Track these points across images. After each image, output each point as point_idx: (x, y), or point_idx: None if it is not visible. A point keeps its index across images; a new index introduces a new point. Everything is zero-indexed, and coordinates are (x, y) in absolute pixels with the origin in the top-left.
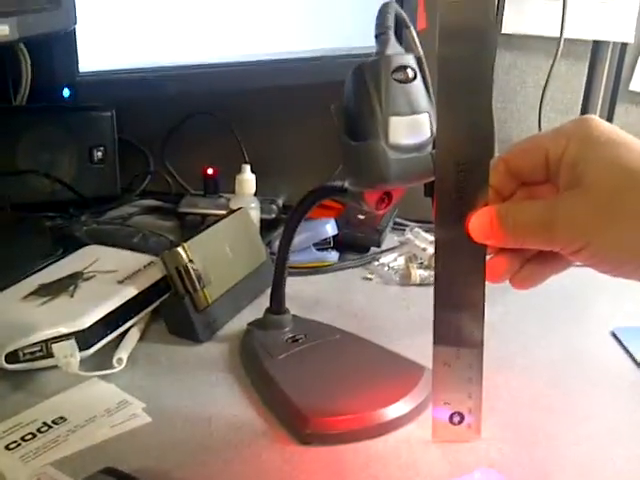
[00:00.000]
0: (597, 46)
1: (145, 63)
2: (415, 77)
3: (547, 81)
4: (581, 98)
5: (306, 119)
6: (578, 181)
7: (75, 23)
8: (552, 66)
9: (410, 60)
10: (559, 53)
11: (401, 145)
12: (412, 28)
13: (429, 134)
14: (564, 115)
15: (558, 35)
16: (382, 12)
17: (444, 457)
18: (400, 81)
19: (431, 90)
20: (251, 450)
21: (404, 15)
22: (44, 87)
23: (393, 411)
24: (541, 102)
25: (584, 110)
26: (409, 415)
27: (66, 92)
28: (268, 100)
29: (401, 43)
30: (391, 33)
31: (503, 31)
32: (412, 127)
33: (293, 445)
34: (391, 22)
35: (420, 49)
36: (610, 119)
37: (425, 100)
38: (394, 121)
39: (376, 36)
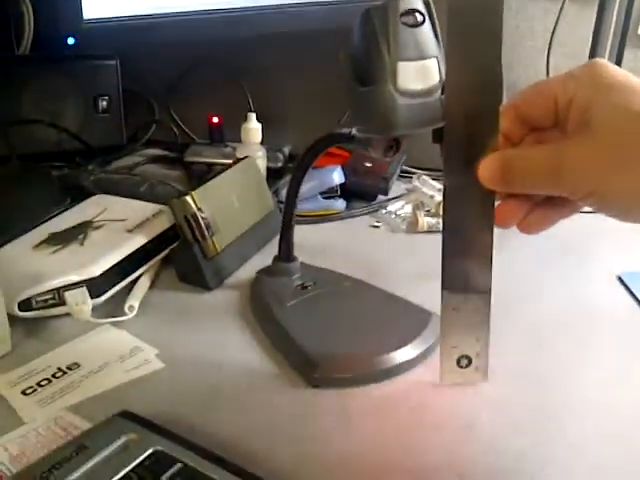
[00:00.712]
0: None
1: (149, 9)
2: (424, 21)
3: (555, 26)
4: (589, 42)
5: (312, 66)
6: (587, 126)
7: None
8: (560, 10)
9: (419, 4)
10: None
11: (409, 90)
12: None
13: (438, 79)
14: (572, 60)
15: None
16: None
17: (451, 399)
18: (408, 25)
19: (440, 34)
20: (262, 394)
21: None
22: (48, 36)
23: (400, 355)
24: (549, 47)
25: (592, 55)
26: (416, 359)
27: (70, 40)
28: (274, 47)
29: None
30: None
31: None
32: (420, 72)
33: (303, 389)
34: None
35: None
36: (619, 63)
37: (434, 44)
38: (402, 66)
39: None
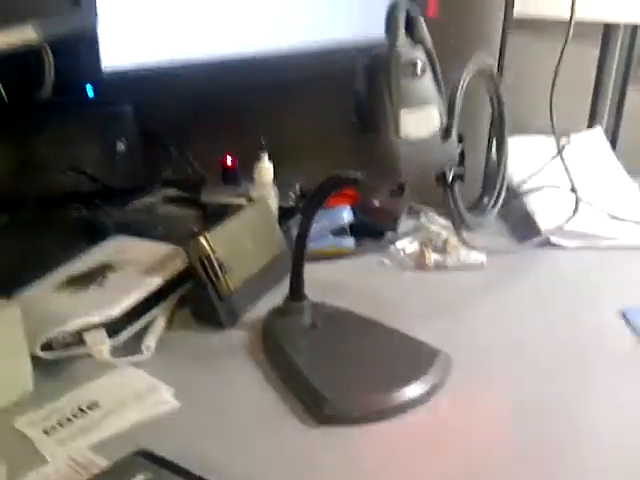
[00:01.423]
0: (608, 28)
1: (164, 59)
2: (424, 70)
3: (558, 63)
4: (593, 80)
5: (321, 107)
6: None
7: (96, 23)
8: (563, 49)
9: (419, 54)
10: (570, 33)
11: (411, 137)
12: (422, 20)
13: (438, 125)
14: (576, 96)
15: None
16: (392, 6)
17: (457, 437)
18: (410, 75)
19: (441, 81)
20: (273, 431)
21: (414, 8)
22: (67, 84)
23: (408, 392)
24: (552, 87)
25: (596, 92)
26: (424, 396)
27: (90, 91)
28: (284, 89)
29: (412, 35)
30: (401, 28)
31: (516, 16)
32: (421, 120)
33: (313, 426)
34: (401, 16)
35: (430, 41)
36: (621, 101)
37: (434, 93)
38: (404, 114)
39: (387, 31)
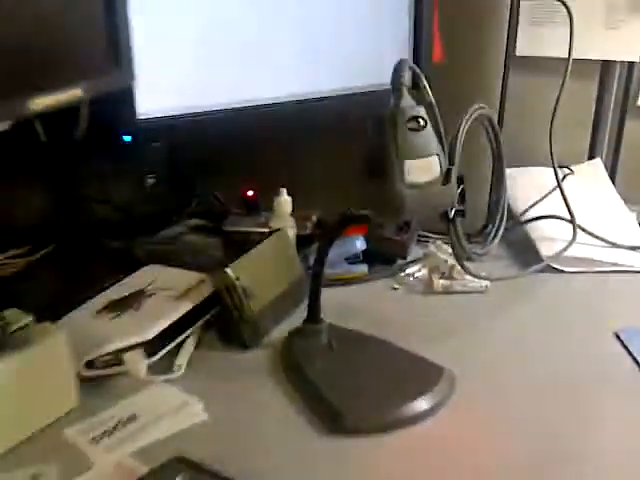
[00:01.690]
0: (606, 65)
1: (192, 106)
2: (425, 125)
3: (558, 97)
4: (592, 115)
5: (336, 145)
6: None
7: (133, 79)
8: (562, 85)
9: (421, 111)
10: (568, 71)
11: (415, 183)
12: (424, 79)
13: (439, 172)
14: (577, 129)
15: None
16: (397, 69)
17: (461, 447)
18: (413, 129)
19: (442, 132)
20: (292, 441)
21: (416, 69)
22: (103, 126)
23: (416, 407)
24: (552, 118)
25: (596, 125)
26: (432, 409)
27: (127, 138)
28: (302, 131)
29: (416, 88)
30: (404, 88)
31: (517, 53)
32: (424, 168)
33: (329, 437)
34: (405, 77)
35: (431, 97)
36: (620, 133)
37: (435, 143)
38: (408, 163)
39: (392, 90)
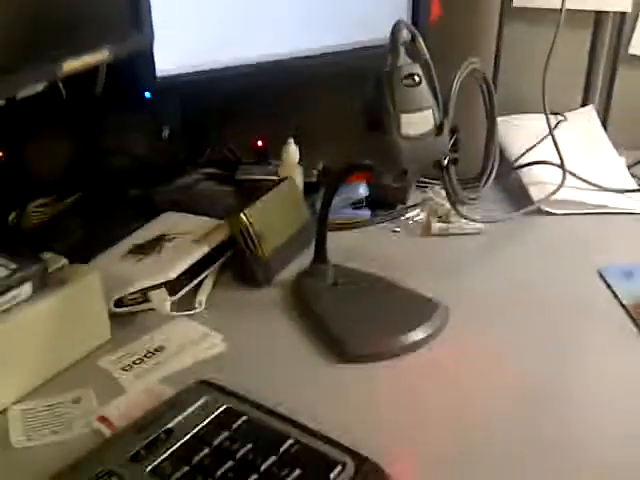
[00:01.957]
0: (599, 15)
1: (206, 63)
2: (420, 82)
3: (552, 47)
4: (586, 62)
5: (340, 97)
6: None
7: (153, 41)
8: (556, 33)
9: (416, 69)
10: (562, 21)
11: (410, 135)
12: (420, 39)
13: (433, 125)
14: (571, 77)
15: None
16: (395, 29)
17: (452, 371)
18: (409, 85)
19: (437, 86)
20: (302, 367)
21: (413, 29)
22: (122, 82)
23: (415, 335)
24: (546, 66)
25: (589, 72)
26: (428, 338)
27: (147, 94)
28: (309, 84)
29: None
30: (401, 47)
31: (514, 5)
32: (419, 121)
33: (335, 363)
34: (402, 37)
35: (427, 54)
36: (612, 79)
37: (429, 98)
38: (404, 117)
39: (390, 49)
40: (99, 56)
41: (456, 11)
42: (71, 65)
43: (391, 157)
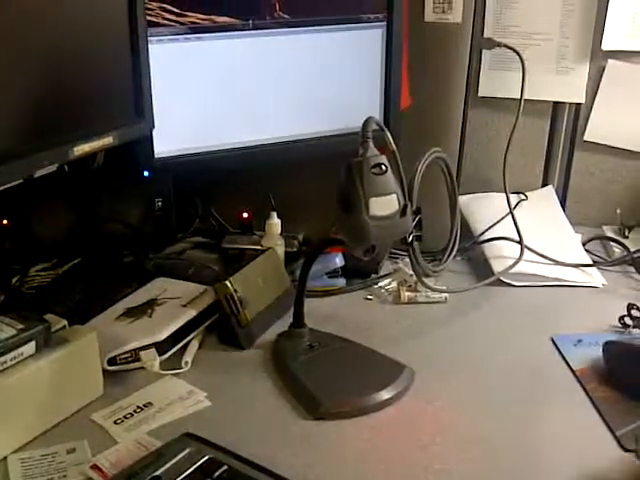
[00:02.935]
0: (556, 105)
1: (202, 146)
2: (387, 170)
3: (512, 132)
4: (545, 146)
5: (318, 175)
6: None
7: (153, 127)
8: (516, 120)
9: (383, 159)
10: (521, 110)
11: (377, 216)
12: (388, 133)
13: (397, 207)
14: (532, 159)
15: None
16: (365, 124)
17: (417, 428)
18: (376, 174)
19: (402, 173)
20: (280, 423)
21: (382, 124)
22: (122, 165)
23: (382, 395)
24: (507, 150)
25: (548, 157)
26: (394, 398)
27: (146, 173)
28: (289, 165)
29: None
30: (370, 141)
31: (479, 94)
32: (385, 204)
33: (310, 420)
34: (371, 131)
35: (394, 145)
36: (570, 162)
37: (394, 184)
38: (372, 200)
39: (361, 143)
40: (106, 141)
41: (425, 99)
42: (81, 149)
43: (360, 235)
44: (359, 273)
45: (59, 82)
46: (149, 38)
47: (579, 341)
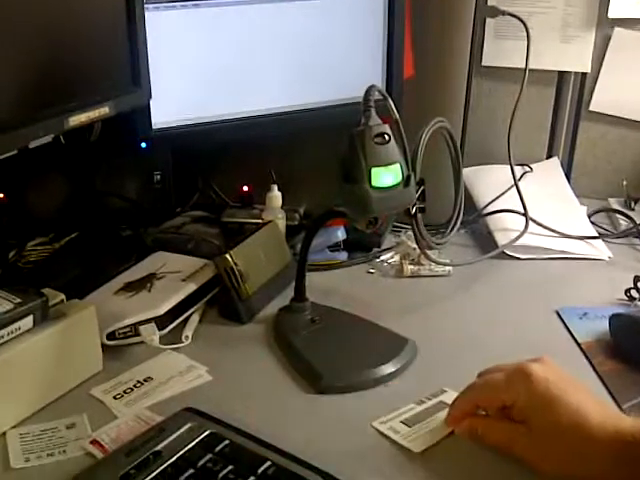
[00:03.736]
0: (562, 75)
1: (196, 117)
2: (389, 140)
3: (516, 103)
4: (550, 117)
5: (319, 146)
6: (529, 424)
7: (150, 97)
8: (520, 90)
9: (386, 128)
10: (525, 80)
11: (380, 187)
12: (390, 101)
13: (400, 178)
14: (536, 131)
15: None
16: (367, 92)
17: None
18: (379, 143)
19: (405, 143)
20: (281, 397)
21: (384, 92)
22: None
23: (384, 369)
24: (511, 121)
25: (553, 128)
26: (396, 372)
27: (144, 145)
28: (290, 136)
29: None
30: (372, 109)
31: (483, 64)
32: (387, 174)
33: (311, 394)
34: (373, 100)
35: (397, 114)
36: (575, 133)
37: (398, 154)
38: (374, 170)
39: (363, 111)
40: (102, 111)
41: (428, 69)
42: (77, 119)
43: (363, 206)
44: (361, 246)
45: (53, 51)
46: (145, 5)
47: (585, 314)
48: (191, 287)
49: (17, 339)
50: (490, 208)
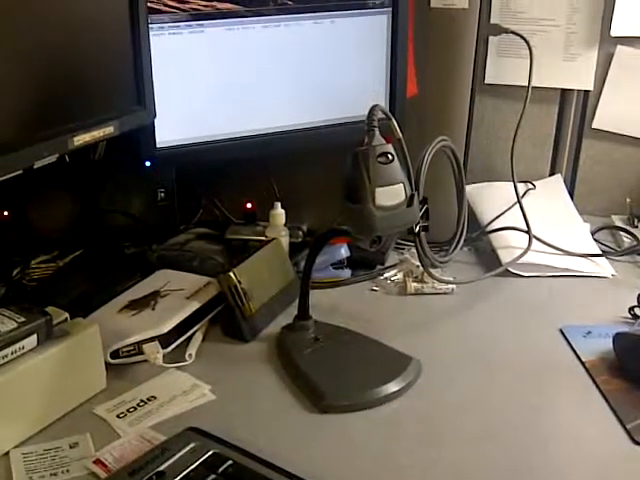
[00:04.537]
0: (564, 92)
1: (205, 135)
2: (393, 159)
3: (519, 121)
4: (554, 134)
5: (323, 164)
6: None
7: (155, 117)
8: (523, 108)
9: (389, 148)
10: (528, 98)
11: (383, 207)
12: (394, 121)
13: (403, 197)
14: (539, 148)
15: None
16: (370, 112)
17: (424, 422)
18: (382, 163)
19: (408, 162)
20: (284, 417)
21: (387, 112)
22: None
23: (388, 388)
24: (514, 138)
25: (556, 145)
26: (400, 391)
27: (148, 163)
28: (294, 155)
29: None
30: (376, 129)
31: (486, 82)
32: (391, 194)
33: (314, 413)
34: (377, 119)
35: (400, 134)
36: (578, 151)
37: (401, 173)
38: (378, 190)
39: (367, 131)
40: (107, 130)
41: (431, 88)
42: (81, 139)
43: (367, 225)
44: (365, 264)
45: (58, 71)
46: (150, 25)
47: (588, 332)
48: (195, 305)
49: (21, 358)
50: (493, 226)
